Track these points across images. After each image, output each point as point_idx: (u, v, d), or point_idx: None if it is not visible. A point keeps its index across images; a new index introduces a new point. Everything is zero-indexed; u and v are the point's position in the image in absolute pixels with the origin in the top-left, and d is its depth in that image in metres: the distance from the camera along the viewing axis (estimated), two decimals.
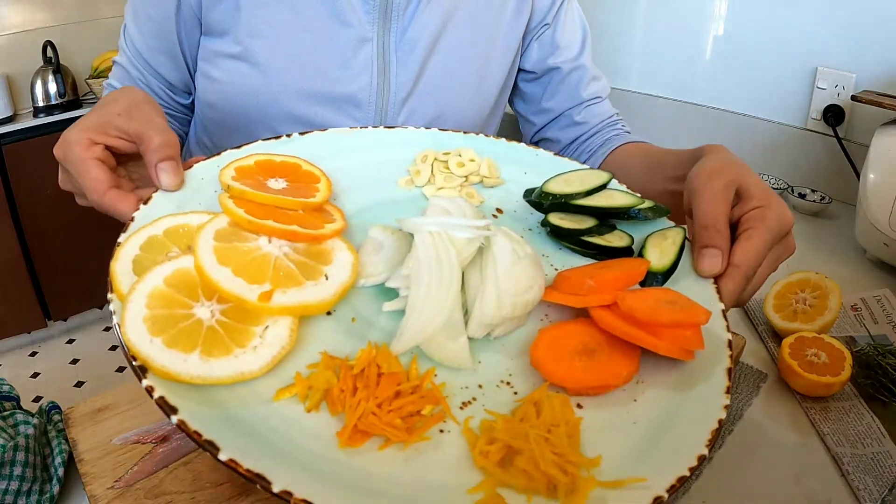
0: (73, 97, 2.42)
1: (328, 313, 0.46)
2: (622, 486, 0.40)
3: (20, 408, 0.67)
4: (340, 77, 0.75)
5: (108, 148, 0.51)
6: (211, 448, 0.37)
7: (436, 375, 0.44)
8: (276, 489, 0.36)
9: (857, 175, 1.15)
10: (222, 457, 0.37)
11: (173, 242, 0.47)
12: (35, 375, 2.35)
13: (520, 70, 0.90)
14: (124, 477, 0.55)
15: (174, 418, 0.38)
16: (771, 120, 1.39)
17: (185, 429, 0.38)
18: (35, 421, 0.64)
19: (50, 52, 2.36)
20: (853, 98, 1.14)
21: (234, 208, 0.47)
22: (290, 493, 0.36)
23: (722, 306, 0.50)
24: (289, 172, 0.53)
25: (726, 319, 0.50)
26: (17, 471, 0.58)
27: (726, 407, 0.44)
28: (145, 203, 0.49)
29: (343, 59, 0.75)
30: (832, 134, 1.27)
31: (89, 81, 2.53)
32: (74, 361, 2.43)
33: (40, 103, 2.34)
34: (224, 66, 0.74)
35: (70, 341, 2.56)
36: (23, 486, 0.58)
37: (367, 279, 0.48)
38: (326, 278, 0.46)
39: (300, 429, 0.40)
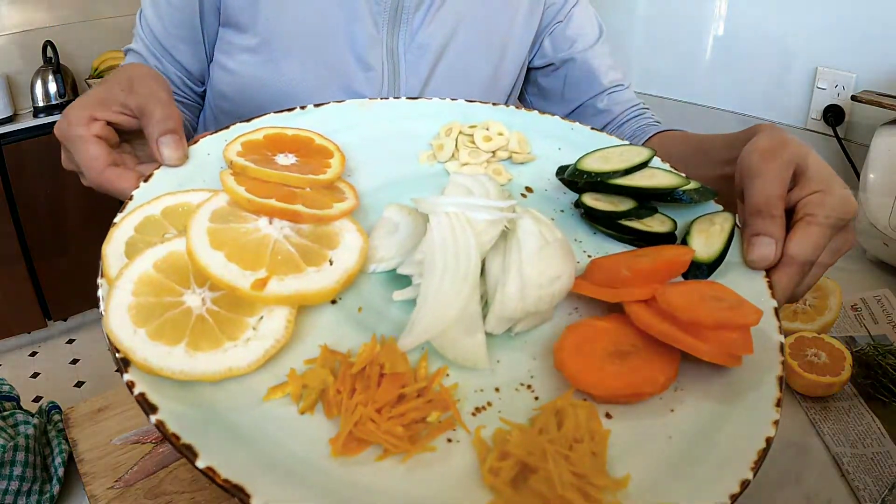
0: (73, 97, 2.31)
1: (333, 301, 0.40)
2: None
3: (20, 408, 0.65)
4: (353, 76, 0.71)
5: (110, 124, 0.46)
6: (188, 453, 0.32)
7: (447, 375, 0.38)
8: (255, 503, 0.30)
9: (857, 175, 1.11)
10: (200, 464, 0.31)
11: (171, 223, 0.41)
12: (35, 375, 2.28)
13: (536, 68, 0.83)
14: (124, 477, 0.52)
15: (153, 418, 0.33)
16: (771, 120, 1.34)
17: (164, 430, 0.33)
18: (35, 421, 0.61)
19: (50, 52, 2.29)
20: (853, 98, 1.10)
21: (234, 186, 0.41)
22: None
23: (774, 303, 0.42)
24: (300, 147, 0.46)
25: (778, 319, 0.41)
26: (17, 471, 0.56)
27: (776, 423, 0.36)
28: (146, 180, 0.44)
29: (356, 58, 0.70)
30: (832, 134, 1.23)
31: (89, 81, 2.46)
32: (74, 361, 2.36)
33: (40, 103, 2.27)
34: (240, 58, 0.70)
35: (70, 341, 2.47)
36: (23, 486, 0.56)
37: (377, 264, 0.42)
38: (331, 263, 0.40)
39: (291, 433, 0.34)
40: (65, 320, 2.51)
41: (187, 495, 0.52)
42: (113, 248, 0.40)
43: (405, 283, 0.41)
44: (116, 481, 0.53)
